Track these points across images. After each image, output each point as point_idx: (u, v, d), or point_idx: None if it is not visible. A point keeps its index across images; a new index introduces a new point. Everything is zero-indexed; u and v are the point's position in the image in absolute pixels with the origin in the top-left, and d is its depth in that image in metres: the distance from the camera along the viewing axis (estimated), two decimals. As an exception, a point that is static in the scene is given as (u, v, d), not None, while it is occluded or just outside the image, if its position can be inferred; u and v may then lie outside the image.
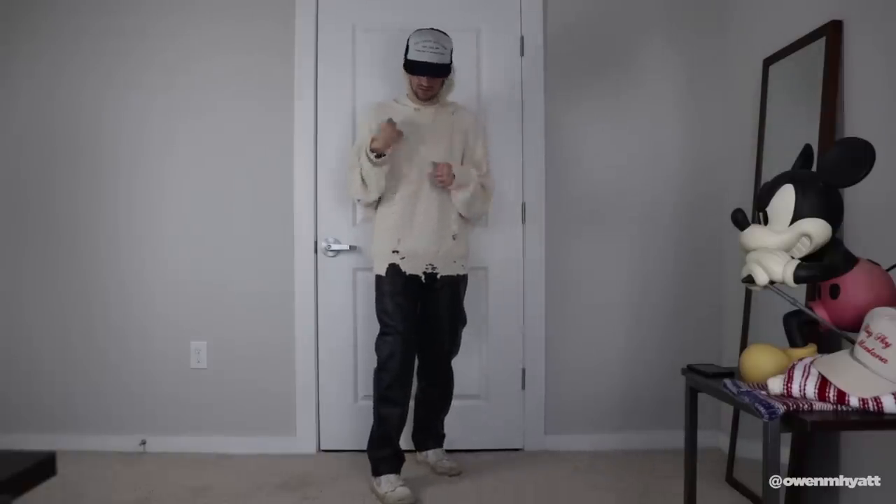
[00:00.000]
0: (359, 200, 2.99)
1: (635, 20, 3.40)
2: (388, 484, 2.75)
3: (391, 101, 2.99)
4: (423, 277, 2.86)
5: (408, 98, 2.93)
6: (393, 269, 2.84)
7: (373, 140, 2.75)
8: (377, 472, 2.81)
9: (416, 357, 2.97)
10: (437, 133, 2.90)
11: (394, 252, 2.84)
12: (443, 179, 2.81)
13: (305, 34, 3.33)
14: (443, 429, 3.15)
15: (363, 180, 2.81)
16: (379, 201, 2.90)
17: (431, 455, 3.11)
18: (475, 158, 2.98)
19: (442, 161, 2.85)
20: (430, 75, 2.80)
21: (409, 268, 2.84)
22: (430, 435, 3.13)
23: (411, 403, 3.02)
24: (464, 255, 2.96)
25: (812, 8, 2.62)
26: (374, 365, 2.88)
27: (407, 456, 2.93)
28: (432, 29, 2.84)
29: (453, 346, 3.03)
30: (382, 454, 2.83)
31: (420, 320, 2.93)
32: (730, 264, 3.26)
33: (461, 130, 2.95)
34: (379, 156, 2.75)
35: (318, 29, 3.34)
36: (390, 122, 2.75)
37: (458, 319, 3.02)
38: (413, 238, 2.84)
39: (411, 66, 2.80)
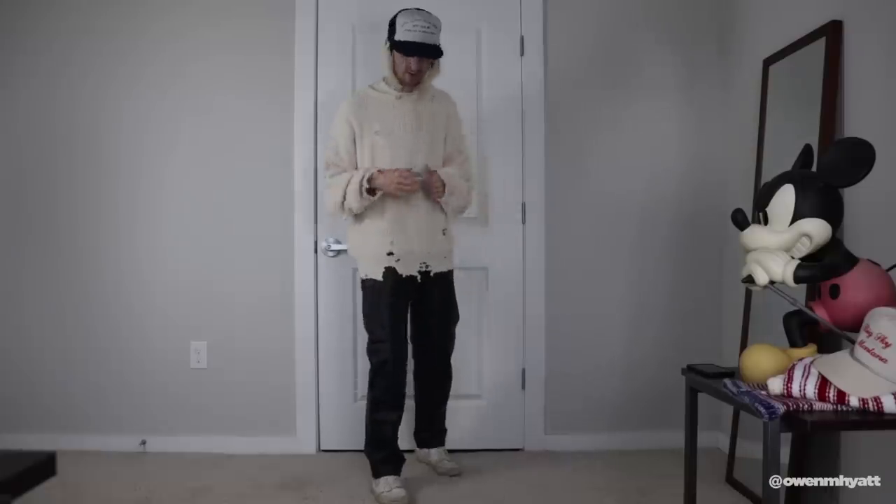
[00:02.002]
0: (331, 215, 2.92)
1: (635, 20, 3.40)
2: (385, 485, 2.74)
3: (367, 90, 2.87)
4: (418, 277, 2.82)
5: (385, 84, 2.82)
6: (389, 272, 2.78)
7: (376, 177, 2.69)
8: (377, 474, 2.80)
9: (413, 355, 2.95)
10: (420, 123, 2.81)
11: (388, 255, 2.78)
12: (437, 193, 2.77)
13: (305, 33, 3.33)
14: (444, 423, 3.11)
15: (343, 201, 2.75)
16: None
17: (434, 454, 3.08)
18: (456, 143, 2.92)
19: (427, 155, 2.79)
20: (422, 56, 2.69)
21: (404, 269, 2.79)
22: (432, 432, 3.09)
23: (411, 403, 3.01)
24: (451, 249, 2.93)
25: (812, 8, 2.62)
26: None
27: (408, 455, 2.93)
28: (420, 9, 2.73)
29: (449, 341, 2.98)
30: (380, 456, 2.82)
31: (414, 318, 2.91)
32: (730, 264, 3.26)
33: (442, 115, 2.87)
34: (371, 192, 2.71)
35: (318, 28, 3.33)
36: (412, 172, 2.69)
37: (452, 314, 2.97)
38: (406, 238, 2.78)
39: (402, 47, 2.66)
